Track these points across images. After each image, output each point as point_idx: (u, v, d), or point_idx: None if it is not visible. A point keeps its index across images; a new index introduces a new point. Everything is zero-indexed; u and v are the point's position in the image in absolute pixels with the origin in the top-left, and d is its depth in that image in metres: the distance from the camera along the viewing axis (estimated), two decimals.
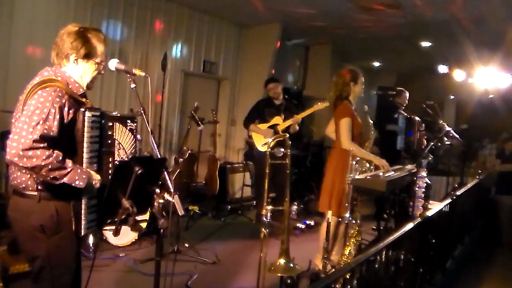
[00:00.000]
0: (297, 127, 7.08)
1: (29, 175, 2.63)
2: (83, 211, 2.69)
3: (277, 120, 7.17)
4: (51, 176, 2.50)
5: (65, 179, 2.53)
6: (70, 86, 2.75)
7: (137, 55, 8.11)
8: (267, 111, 7.25)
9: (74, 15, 7.03)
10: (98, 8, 7.40)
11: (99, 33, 2.88)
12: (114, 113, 3.01)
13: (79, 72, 2.84)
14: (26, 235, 2.72)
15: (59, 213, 2.68)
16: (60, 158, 2.51)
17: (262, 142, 6.57)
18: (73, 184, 2.56)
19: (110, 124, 2.86)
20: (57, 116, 2.55)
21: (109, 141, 2.86)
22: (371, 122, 5.35)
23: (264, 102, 7.53)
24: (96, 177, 2.67)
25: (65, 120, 2.61)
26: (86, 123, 2.68)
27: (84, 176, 2.59)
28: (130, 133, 2.99)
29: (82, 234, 2.70)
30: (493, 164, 9.34)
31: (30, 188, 2.65)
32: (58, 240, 2.70)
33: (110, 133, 2.86)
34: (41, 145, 2.45)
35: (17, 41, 6.38)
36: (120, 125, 2.93)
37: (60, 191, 2.64)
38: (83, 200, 2.69)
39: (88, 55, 2.81)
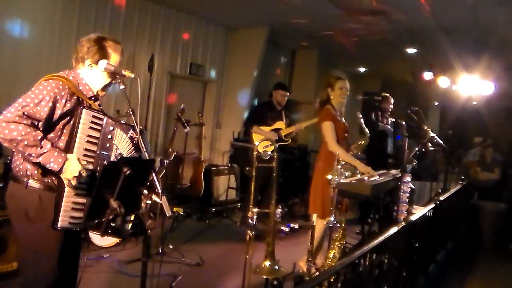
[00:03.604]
0: (295, 135, 7.18)
1: (27, 164, 2.76)
2: (63, 203, 2.71)
3: (280, 125, 7.22)
4: (27, 153, 2.59)
5: (40, 159, 2.62)
6: (80, 88, 2.92)
7: (124, 56, 8.05)
8: (270, 115, 7.27)
9: (61, 15, 7.02)
10: (85, 9, 7.38)
11: (117, 44, 3.07)
12: (123, 121, 3.10)
13: (92, 77, 2.99)
14: (14, 218, 2.87)
15: (43, 202, 2.77)
16: (39, 137, 2.61)
17: (263, 144, 6.58)
18: (48, 166, 2.64)
19: (112, 128, 2.92)
20: (50, 104, 2.67)
21: (108, 145, 2.91)
22: (367, 130, 5.39)
23: (267, 106, 7.53)
24: (76, 167, 2.68)
25: (58, 111, 2.73)
26: (82, 121, 2.75)
27: (60, 160, 2.64)
28: (129, 140, 3.06)
29: (58, 226, 2.70)
30: (475, 170, 9.45)
31: (21, 173, 2.78)
32: (41, 227, 2.76)
33: (110, 137, 2.92)
34: (24, 122, 2.58)
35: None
36: (121, 131, 3.01)
37: (47, 181, 2.77)
38: (65, 193, 2.71)
39: None
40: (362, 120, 5.44)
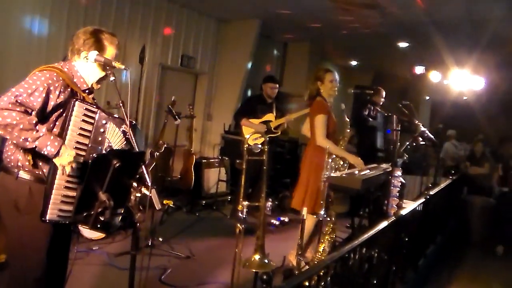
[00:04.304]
0: (286, 126, 7.17)
1: (18, 154, 2.75)
2: (53, 196, 2.69)
3: (269, 117, 7.24)
4: (23, 137, 2.55)
5: (36, 143, 2.58)
6: (75, 80, 2.90)
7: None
8: (260, 108, 7.29)
9: (51, 7, 6.96)
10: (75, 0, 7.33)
11: (114, 37, 3.06)
12: (116, 115, 3.08)
13: (87, 69, 2.98)
14: (3, 209, 2.85)
15: (33, 193, 2.76)
16: (34, 121, 2.59)
17: (253, 137, 6.58)
18: (44, 150, 2.60)
19: (104, 122, 2.90)
20: (43, 95, 2.65)
21: (100, 139, 2.89)
22: (348, 120, 5.39)
23: (257, 98, 7.57)
24: (71, 152, 2.66)
25: (52, 102, 2.71)
26: (74, 113, 2.74)
27: (56, 144, 2.62)
28: (122, 134, 3.04)
29: (47, 218, 2.68)
30: (465, 165, 9.49)
31: (12, 164, 2.77)
32: (30, 219, 2.74)
33: (102, 130, 2.89)
34: (18, 109, 2.55)
35: None
36: (114, 125, 2.98)
37: (37, 173, 2.76)
38: (55, 185, 2.69)
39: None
40: (344, 111, 5.43)
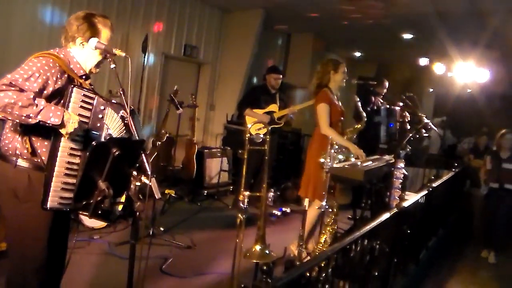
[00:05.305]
0: (290, 118, 7.15)
1: (16, 143, 2.72)
2: (53, 183, 2.66)
3: (273, 107, 7.22)
4: (25, 114, 2.50)
5: (39, 117, 2.53)
6: (71, 66, 2.87)
7: (118, 36, 8.00)
8: (263, 98, 7.27)
9: None
10: None
11: (106, 19, 3.01)
12: (114, 101, 3.04)
13: (84, 55, 2.95)
14: (3, 198, 2.81)
15: (32, 181, 2.73)
16: (32, 96, 2.54)
17: (256, 127, 6.55)
18: (49, 122, 2.56)
19: (103, 108, 2.87)
20: (39, 80, 2.62)
21: (98, 125, 2.86)
22: (364, 114, 5.41)
23: (261, 89, 7.57)
24: (74, 117, 2.63)
25: (50, 88, 2.69)
26: (72, 99, 2.70)
27: (59, 113, 2.58)
28: (120, 120, 3.00)
29: (48, 206, 2.66)
30: (468, 158, 9.45)
31: (10, 152, 2.74)
32: (30, 207, 2.72)
33: (100, 116, 2.86)
34: (12, 88, 2.51)
35: None
36: (112, 111, 2.94)
37: (36, 161, 2.74)
38: (55, 173, 2.67)
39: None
40: (359, 104, 5.43)
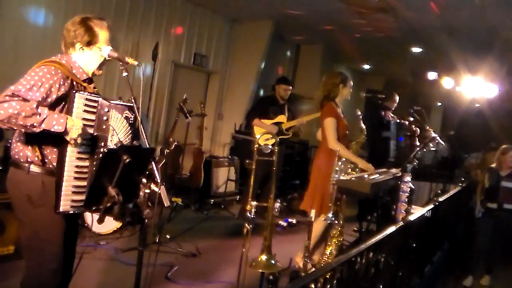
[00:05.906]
0: (298, 129, 7.17)
1: (26, 150, 2.76)
2: (63, 187, 2.70)
3: (281, 118, 7.23)
4: (29, 124, 2.53)
5: (43, 126, 2.56)
6: (74, 71, 2.90)
7: (128, 44, 8.07)
8: (272, 109, 7.28)
9: (65, 3, 6.99)
10: None
11: (102, 21, 3.02)
12: (117, 102, 3.05)
13: (84, 59, 2.98)
14: (17, 204, 2.85)
15: (46, 186, 2.77)
16: (34, 105, 2.56)
17: (264, 137, 6.56)
18: (53, 130, 2.59)
19: (107, 110, 2.89)
20: (42, 89, 2.64)
21: (104, 127, 2.88)
22: (363, 126, 5.39)
23: (269, 99, 7.58)
24: (78, 122, 2.67)
25: (54, 95, 2.71)
26: (75, 105, 2.74)
27: (62, 121, 2.61)
28: (125, 120, 3.02)
29: (60, 209, 2.70)
30: (475, 173, 9.42)
31: (22, 160, 2.77)
32: (44, 212, 2.76)
33: (105, 118, 2.89)
34: (16, 98, 2.53)
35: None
36: (116, 112, 2.96)
37: (48, 167, 2.77)
38: (64, 177, 2.70)
39: (91, 42, 2.95)
40: (360, 117, 5.43)
